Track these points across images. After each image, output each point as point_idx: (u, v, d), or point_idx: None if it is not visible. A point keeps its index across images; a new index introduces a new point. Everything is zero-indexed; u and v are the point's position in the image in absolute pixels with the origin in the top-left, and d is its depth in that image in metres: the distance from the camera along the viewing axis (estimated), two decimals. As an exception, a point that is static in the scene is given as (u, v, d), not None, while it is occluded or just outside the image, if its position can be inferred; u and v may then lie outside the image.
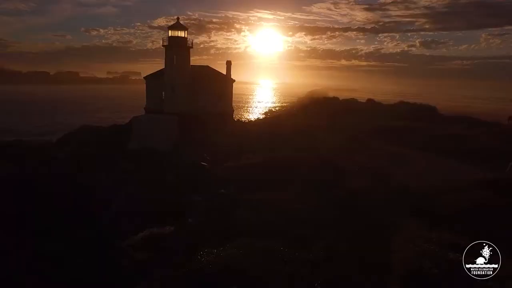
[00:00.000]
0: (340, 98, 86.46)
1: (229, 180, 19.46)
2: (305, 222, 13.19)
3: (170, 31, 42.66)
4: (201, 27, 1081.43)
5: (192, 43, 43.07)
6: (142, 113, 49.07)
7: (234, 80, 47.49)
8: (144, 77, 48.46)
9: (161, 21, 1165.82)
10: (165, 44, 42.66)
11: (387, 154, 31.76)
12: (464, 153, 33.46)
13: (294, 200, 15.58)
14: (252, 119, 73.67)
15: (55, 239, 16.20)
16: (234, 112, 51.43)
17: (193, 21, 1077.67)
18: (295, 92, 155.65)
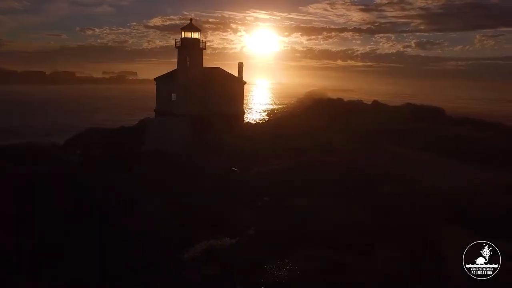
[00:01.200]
0: (345, 100, 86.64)
1: (265, 186, 19.26)
2: (358, 231, 13.07)
3: (183, 32, 42.36)
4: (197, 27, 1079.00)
5: (205, 44, 42.79)
6: (149, 115, 48.80)
7: (245, 82, 47.30)
8: (154, 79, 48.05)
9: (157, 21, 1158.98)
10: (178, 45, 42.35)
11: (405, 157, 31.81)
12: (480, 156, 33.68)
13: (338, 206, 15.45)
14: (258, 120, 73.42)
15: (92, 251, 15.86)
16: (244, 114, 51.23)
17: (189, 21, 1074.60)
18: (292, 92, 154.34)
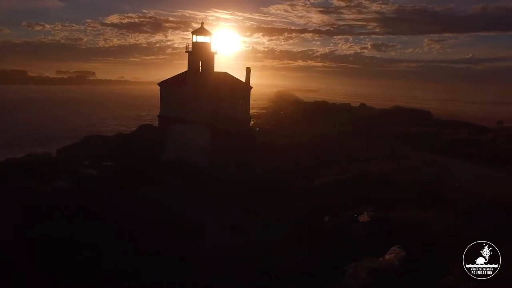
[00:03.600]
0: (330, 102, 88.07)
1: (356, 197, 18.93)
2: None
3: (194, 36, 40.80)
4: (157, 26, 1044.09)
5: (216, 48, 41.50)
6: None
7: (251, 87, 46.54)
8: (158, 84, 45.82)
9: (114, 19, 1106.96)
10: (189, 49, 40.75)
11: (426, 161, 32.63)
12: (490, 158, 35.56)
13: (448, 219, 15.50)
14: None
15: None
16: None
17: (148, 19, 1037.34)
18: (255, 92, 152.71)
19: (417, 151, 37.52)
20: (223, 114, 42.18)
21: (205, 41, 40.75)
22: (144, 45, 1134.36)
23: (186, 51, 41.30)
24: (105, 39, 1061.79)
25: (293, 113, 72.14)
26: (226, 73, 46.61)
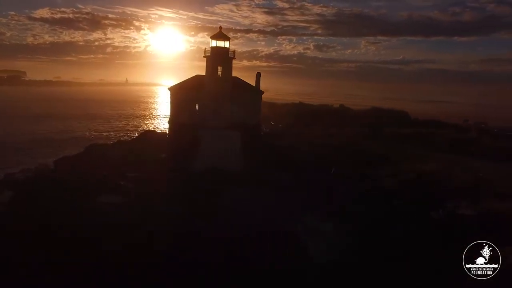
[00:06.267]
0: (306, 103, 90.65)
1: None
2: None
3: (213, 41, 40.24)
4: (95, 23, 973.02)
5: (234, 53, 41.34)
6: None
7: (263, 92, 46.98)
8: (168, 88, 44.40)
9: (44, 13, 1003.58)
10: (207, 54, 40.12)
11: (449, 161, 35.92)
12: (485, 154, 39.99)
13: None
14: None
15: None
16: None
17: (85, 15, 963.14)
18: None
19: (426, 151, 40.72)
20: (237, 120, 42.17)
21: (225, 46, 40.39)
22: (81, 43, 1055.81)
23: (204, 56, 40.62)
24: (33, 35, 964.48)
25: (277, 117, 73.28)
26: (236, 77, 46.49)
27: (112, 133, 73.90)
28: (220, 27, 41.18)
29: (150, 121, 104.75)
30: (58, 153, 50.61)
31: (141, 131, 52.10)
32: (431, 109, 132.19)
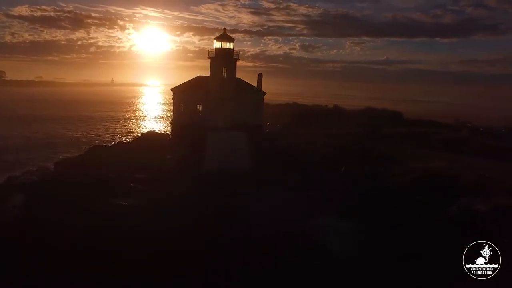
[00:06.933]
0: (300, 103, 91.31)
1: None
2: None
3: (216, 42, 40.53)
4: (78, 22, 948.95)
5: (238, 54, 41.68)
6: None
7: (265, 93, 47.46)
8: (171, 89, 44.37)
9: (24, 10, 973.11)
10: (212, 56, 40.37)
11: (449, 160, 37.08)
12: (479, 153, 41.43)
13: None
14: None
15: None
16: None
17: (66, 14, 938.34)
18: None
19: (425, 150, 41.92)
20: (240, 121, 42.53)
21: (229, 47, 40.70)
22: (63, 42, 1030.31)
23: (208, 57, 40.84)
24: (12, 33, 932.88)
25: (272, 117, 73.69)
26: (239, 78, 46.83)
27: (108, 135, 73.05)
28: (224, 29, 41.59)
29: (143, 122, 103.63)
30: (55, 156, 49.98)
31: (142, 133, 51.59)
32: (419, 109, 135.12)
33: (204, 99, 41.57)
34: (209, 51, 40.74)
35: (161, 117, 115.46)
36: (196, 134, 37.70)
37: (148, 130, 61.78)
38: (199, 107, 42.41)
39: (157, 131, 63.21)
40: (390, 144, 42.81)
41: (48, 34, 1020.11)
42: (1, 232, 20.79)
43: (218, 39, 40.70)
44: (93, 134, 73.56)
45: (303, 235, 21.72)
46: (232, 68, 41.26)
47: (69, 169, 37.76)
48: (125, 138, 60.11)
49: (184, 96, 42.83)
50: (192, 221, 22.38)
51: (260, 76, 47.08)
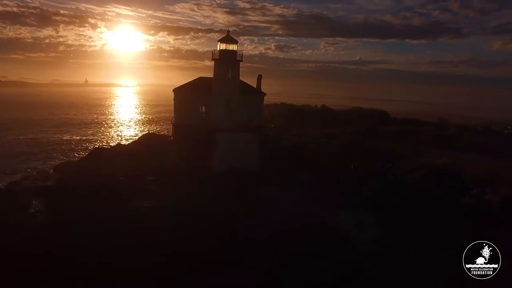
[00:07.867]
0: (288, 103, 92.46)
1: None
2: None
3: (220, 44, 41.00)
4: (45, 19, 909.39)
5: (241, 56, 42.31)
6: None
7: (265, 94, 48.31)
8: (173, 90, 44.42)
9: None
10: (215, 57, 40.83)
11: (440, 155, 39.18)
12: (469, 149, 44.05)
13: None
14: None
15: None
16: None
17: (32, 10, 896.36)
18: (165, 94, 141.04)
19: (421, 147, 43.93)
20: (242, 121, 43.24)
21: (233, 49, 41.27)
22: (28, 40, 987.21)
23: (212, 59, 41.26)
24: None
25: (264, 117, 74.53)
26: (240, 80, 47.43)
27: (97, 137, 71.46)
28: (228, 31, 42.05)
29: (134, 125, 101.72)
30: (52, 159, 48.70)
31: (142, 134, 50.96)
32: (399, 108, 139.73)
33: (208, 100, 41.98)
34: (212, 53, 41.20)
35: (150, 120, 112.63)
36: (201, 135, 38.03)
37: (147, 132, 60.92)
38: (202, 108, 42.79)
39: (155, 132, 62.50)
40: (389, 142, 44.66)
41: (12, 31, 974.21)
42: (33, 241, 20.19)
43: (222, 41, 41.18)
44: (82, 137, 71.74)
45: (328, 229, 22.73)
46: (236, 70, 41.87)
47: (73, 173, 37.10)
48: (125, 141, 59.04)
49: (187, 97, 43.04)
50: (219, 220, 22.85)
51: (259, 77, 47.91)
